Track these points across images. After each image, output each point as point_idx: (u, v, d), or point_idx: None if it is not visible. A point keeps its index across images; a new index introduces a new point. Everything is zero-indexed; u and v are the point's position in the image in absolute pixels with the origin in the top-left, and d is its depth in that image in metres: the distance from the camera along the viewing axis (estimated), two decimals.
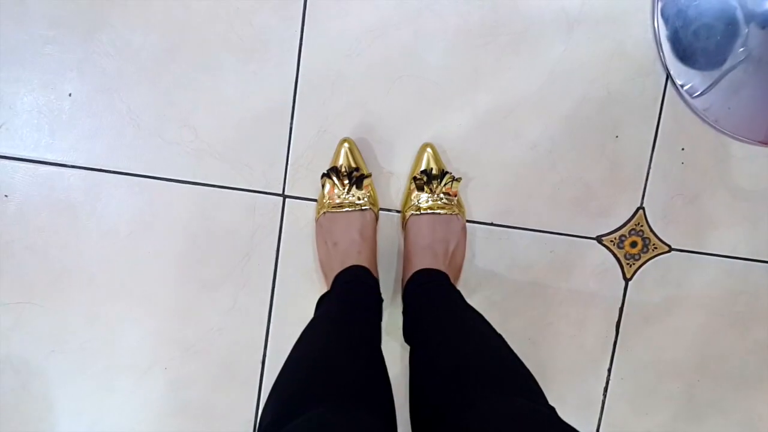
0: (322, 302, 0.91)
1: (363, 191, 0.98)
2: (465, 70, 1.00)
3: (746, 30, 1.02)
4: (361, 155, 0.99)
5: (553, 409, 0.63)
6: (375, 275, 0.94)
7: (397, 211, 1.03)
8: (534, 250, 1.06)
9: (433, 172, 0.98)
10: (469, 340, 0.77)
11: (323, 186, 0.98)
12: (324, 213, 0.98)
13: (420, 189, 0.98)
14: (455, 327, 0.81)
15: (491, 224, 1.05)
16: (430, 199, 0.98)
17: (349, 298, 0.89)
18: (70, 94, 0.97)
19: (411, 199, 0.99)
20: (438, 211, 0.97)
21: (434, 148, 1.00)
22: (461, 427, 0.61)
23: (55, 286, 1.03)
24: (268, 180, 1.01)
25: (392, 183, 1.02)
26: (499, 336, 0.78)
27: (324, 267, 0.99)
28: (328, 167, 0.98)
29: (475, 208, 1.04)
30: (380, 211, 1.03)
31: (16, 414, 1.08)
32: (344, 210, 0.97)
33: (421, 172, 0.98)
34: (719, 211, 1.06)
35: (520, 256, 1.06)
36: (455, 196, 0.99)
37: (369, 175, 0.98)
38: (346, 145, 0.98)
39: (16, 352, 1.05)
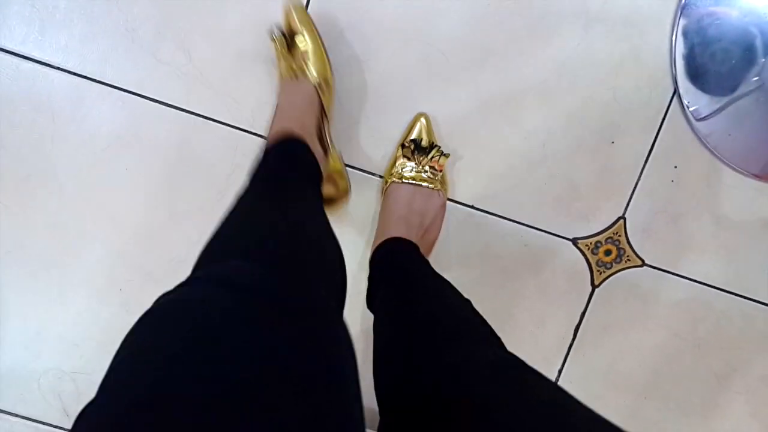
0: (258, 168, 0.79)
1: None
2: (475, 46, 0.97)
3: (763, 60, 1.00)
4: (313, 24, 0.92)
5: (513, 354, 0.61)
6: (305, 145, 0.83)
7: (380, 176, 1.01)
8: (509, 240, 1.05)
9: (423, 143, 0.96)
10: (435, 302, 0.76)
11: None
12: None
13: (406, 157, 0.97)
14: (421, 292, 0.80)
15: (472, 207, 1.03)
16: (414, 169, 0.96)
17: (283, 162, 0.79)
18: None
19: (396, 166, 0.98)
20: (420, 183, 0.96)
21: (428, 119, 0.98)
22: (429, 384, 0.59)
23: (23, 187, 1.00)
24: (255, 119, 0.98)
25: (379, 146, 1.00)
26: (466, 299, 0.77)
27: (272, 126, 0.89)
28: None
29: (458, 188, 1.02)
30: (362, 173, 1.01)
31: None
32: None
33: (410, 140, 0.97)
34: (699, 236, 1.06)
35: (494, 243, 1.05)
36: (440, 171, 0.97)
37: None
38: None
39: None
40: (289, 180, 0.76)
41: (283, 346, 0.42)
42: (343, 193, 1.00)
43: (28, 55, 0.95)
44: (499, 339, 0.68)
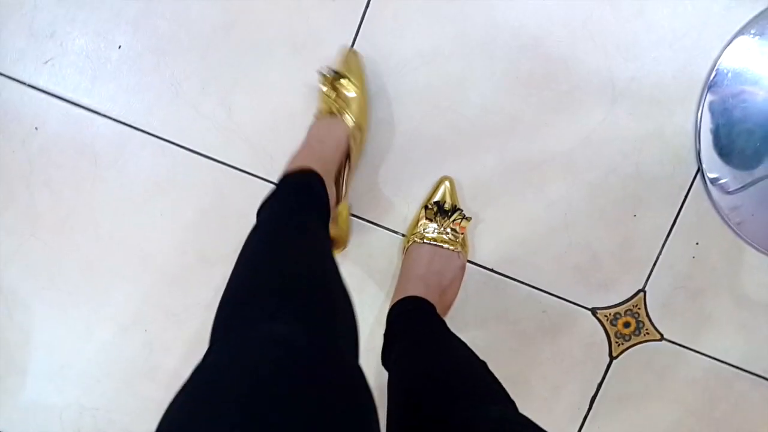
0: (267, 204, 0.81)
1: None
2: (503, 115, 1.01)
3: None
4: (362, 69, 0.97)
5: (527, 418, 0.62)
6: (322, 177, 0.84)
7: (402, 234, 1.04)
8: (528, 305, 1.06)
9: (446, 206, 0.99)
10: (450, 362, 0.77)
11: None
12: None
13: (429, 219, 0.99)
14: (436, 351, 0.81)
15: (491, 270, 1.05)
16: (436, 230, 0.99)
17: (295, 200, 0.81)
18: (119, 47, 0.99)
19: (418, 227, 1.00)
20: (441, 244, 0.98)
21: (453, 182, 1.00)
22: None
23: (61, 225, 1.05)
24: None
25: (403, 204, 1.03)
26: (482, 361, 0.78)
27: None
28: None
29: (479, 251, 1.04)
30: (385, 231, 1.04)
31: None
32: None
33: (434, 202, 0.99)
34: (719, 313, 1.05)
35: (512, 308, 1.06)
36: (462, 233, 0.99)
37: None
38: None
39: (9, 279, 1.07)
40: (306, 220, 0.77)
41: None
42: (340, 243, 1.01)
43: (78, 102, 1.01)
44: (512, 402, 0.69)
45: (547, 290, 1.05)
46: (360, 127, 0.96)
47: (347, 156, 0.95)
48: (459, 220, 0.99)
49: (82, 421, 1.13)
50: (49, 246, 1.06)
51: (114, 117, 1.01)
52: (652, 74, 0.99)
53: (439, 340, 0.84)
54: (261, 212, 0.81)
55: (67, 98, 1.01)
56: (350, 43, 0.98)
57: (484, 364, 0.77)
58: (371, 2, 0.97)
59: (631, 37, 0.98)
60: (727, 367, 1.07)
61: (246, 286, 0.65)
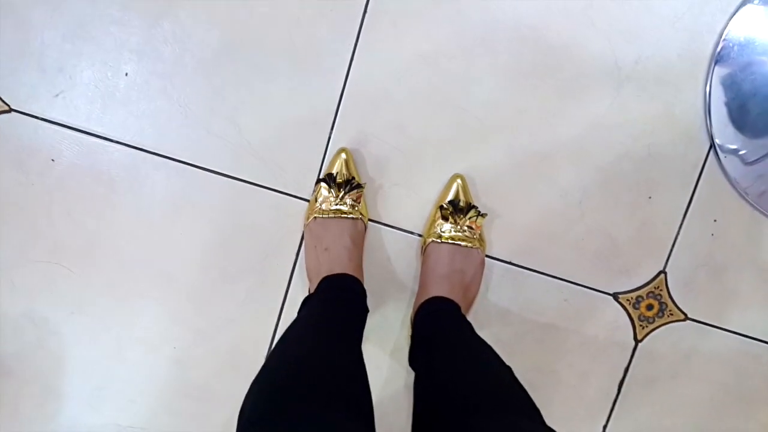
0: (307, 303, 0.92)
1: (354, 201, 0.99)
2: (509, 108, 1.01)
3: None
4: (356, 166, 1.01)
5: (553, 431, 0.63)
6: (363, 286, 0.96)
7: (419, 235, 1.04)
8: (549, 295, 1.06)
9: (460, 204, 0.99)
10: (476, 367, 0.78)
11: (316, 192, 1.00)
12: (314, 218, 1.00)
13: (444, 218, 1.00)
14: (462, 355, 0.82)
15: (510, 263, 1.05)
16: (453, 229, 0.99)
17: (336, 298, 0.91)
18: (126, 74, 1.01)
19: (434, 227, 1.01)
20: (459, 242, 0.99)
21: (465, 180, 1.01)
22: None
23: (85, 252, 1.07)
24: (299, 185, 1.03)
25: (417, 206, 1.04)
26: (507, 367, 0.79)
27: (311, 272, 1.00)
28: (323, 173, 1.01)
29: (496, 245, 1.05)
30: (401, 232, 1.04)
31: (31, 366, 1.13)
32: (335, 216, 0.98)
33: (449, 202, 1.00)
34: (742, 289, 1.05)
35: (534, 299, 1.06)
36: (479, 230, 1.00)
37: (363, 185, 1.00)
38: (343, 155, 1.00)
39: (39, 308, 1.10)
40: (348, 323, 0.88)
41: None
42: None
43: (91, 131, 1.03)
44: (538, 411, 0.69)
45: (567, 279, 1.06)
46: (365, 216, 1.02)
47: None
48: (475, 218, 0.99)
49: None
50: (74, 273, 1.08)
51: (127, 143, 1.03)
52: (656, 55, 0.99)
53: (465, 343, 0.85)
54: (302, 308, 0.93)
55: (80, 128, 1.03)
56: (351, 50, 0.99)
57: (509, 369, 0.78)
58: (368, 10, 0.98)
59: (632, 19, 0.98)
60: (755, 341, 1.07)
61: (279, 374, 0.71)
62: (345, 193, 0.99)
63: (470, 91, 1.00)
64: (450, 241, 0.99)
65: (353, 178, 0.99)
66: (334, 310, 0.88)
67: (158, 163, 1.03)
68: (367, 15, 0.98)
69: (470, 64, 0.99)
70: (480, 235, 1.01)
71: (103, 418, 1.15)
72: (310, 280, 1.00)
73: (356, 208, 0.99)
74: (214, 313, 1.09)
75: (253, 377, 1.06)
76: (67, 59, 1.00)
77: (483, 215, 0.99)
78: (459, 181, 1.01)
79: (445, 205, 1.00)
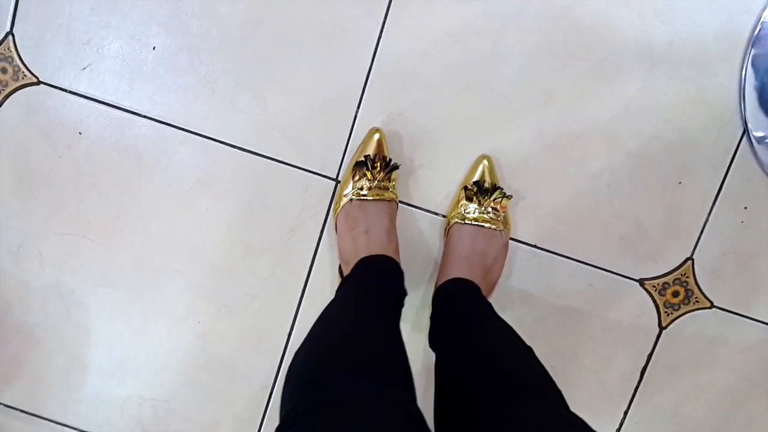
0: (346, 283, 0.92)
1: (391, 183, 0.99)
2: (538, 88, 0.99)
3: None
4: (388, 146, 1.00)
5: (580, 418, 0.63)
6: (401, 269, 0.95)
7: (443, 216, 1.04)
8: (573, 280, 1.05)
9: (485, 185, 0.98)
10: (497, 347, 0.78)
11: (352, 173, 0.99)
12: (351, 200, 0.99)
13: (469, 199, 0.99)
14: (483, 335, 0.82)
15: (535, 246, 1.04)
16: (477, 210, 0.98)
17: (376, 282, 0.91)
18: (154, 48, 1.01)
19: (458, 207, 1.00)
20: (483, 224, 0.98)
21: (491, 160, 1.00)
22: None
23: (111, 225, 1.08)
24: (325, 163, 1.03)
25: (443, 186, 1.03)
26: (528, 347, 0.79)
27: (348, 255, 0.98)
28: (358, 155, 1.00)
29: (521, 228, 1.04)
30: (425, 213, 1.04)
31: (57, 337, 1.15)
32: (372, 199, 0.98)
33: (473, 182, 0.99)
34: None
35: (558, 283, 1.06)
36: (503, 212, 0.99)
37: (398, 166, 0.99)
38: (376, 135, 0.99)
39: (66, 280, 1.11)
40: (389, 301, 0.89)
41: None
42: None
43: (118, 105, 1.03)
44: (560, 393, 0.69)
45: (592, 263, 1.05)
46: (397, 197, 1.02)
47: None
48: (499, 199, 0.98)
49: (143, 411, 1.18)
50: (101, 246, 1.09)
51: (154, 117, 1.03)
52: (691, 36, 0.97)
53: (485, 324, 0.85)
54: (341, 287, 0.93)
55: (108, 102, 1.03)
56: (379, 26, 0.98)
57: (530, 350, 0.78)
58: None
59: (651, 8, 0.95)
60: None
61: (326, 343, 0.73)
62: (383, 175, 0.98)
63: (499, 70, 0.99)
64: (473, 223, 0.98)
65: (389, 158, 0.99)
66: (375, 290, 0.88)
67: (185, 138, 1.03)
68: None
69: (500, 42, 0.98)
70: (505, 217, 1.00)
71: (127, 390, 1.17)
72: (346, 263, 0.98)
73: (390, 190, 0.99)
74: (238, 289, 1.10)
75: (274, 353, 1.07)
76: (95, 31, 1.00)
77: (508, 197, 0.98)
78: (485, 162, 1.00)
79: (469, 186, 0.99)
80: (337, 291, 0.93)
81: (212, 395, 1.16)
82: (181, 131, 1.03)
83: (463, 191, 1.00)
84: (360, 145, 1.01)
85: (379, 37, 0.98)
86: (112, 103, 1.03)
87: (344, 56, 0.99)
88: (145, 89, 1.02)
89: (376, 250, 0.95)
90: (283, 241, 1.07)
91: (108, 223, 1.08)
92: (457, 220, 1.00)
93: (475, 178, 1.00)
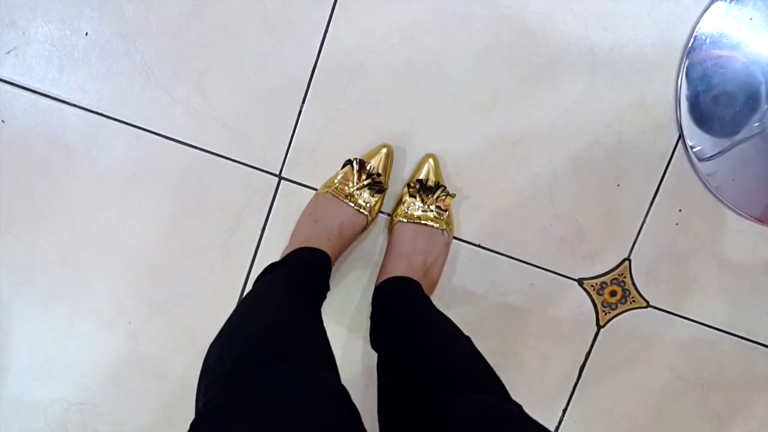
0: (274, 268, 0.90)
1: (371, 198, 0.97)
2: (484, 89, 0.99)
3: (766, 106, 1.02)
4: (391, 169, 1.00)
5: (519, 406, 0.64)
6: (330, 265, 0.94)
7: (388, 214, 1.03)
8: (515, 279, 1.06)
9: (429, 183, 0.98)
10: (437, 343, 0.78)
11: (342, 168, 0.98)
12: (326, 192, 0.98)
13: (412, 197, 0.98)
14: (422, 332, 0.81)
15: (478, 246, 1.05)
16: (420, 209, 0.98)
17: (300, 268, 0.90)
18: (86, 33, 0.95)
19: (402, 206, 0.99)
20: (426, 222, 0.97)
21: (436, 159, 0.99)
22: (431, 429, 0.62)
23: (36, 220, 1.02)
24: (267, 158, 1.00)
25: (390, 185, 1.02)
26: (467, 338, 0.78)
27: (293, 237, 0.98)
28: (359, 158, 0.98)
29: (465, 227, 1.04)
30: None
31: None
32: (342, 201, 0.96)
33: (417, 180, 0.98)
34: (703, 278, 1.07)
35: (500, 282, 1.06)
36: (446, 210, 0.99)
37: (385, 189, 0.98)
38: (384, 150, 0.98)
39: None
40: (310, 292, 0.87)
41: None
42: None
43: (46, 93, 0.97)
44: (500, 382, 0.69)
45: (533, 263, 1.06)
46: (372, 215, 0.99)
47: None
48: (443, 197, 0.98)
49: (69, 416, 1.11)
50: (24, 242, 1.03)
51: (85, 106, 0.97)
52: (631, 43, 0.99)
53: (423, 320, 0.85)
54: (266, 273, 0.89)
55: (35, 89, 0.97)
56: (326, 19, 0.96)
57: (469, 340, 0.78)
58: None
59: (609, 6, 0.97)
60: (712, 330, 1.09)
61: (247, 333, 0.69)
62: (364, 186, 0.97)
63: (446, 69, 0.98)
64: (416, 221, 0.98)
65: (380, 176, 0.98)
66: (295, 281, 0.86)
67: (117, 129, 0.98)
68: None
69: (447, 40, 0.97)
70: (449, 216, 1.00)
71: (52, 394, 1.10)
72: (290, 243, 0.98)
73: (366, 204, 0.97)
74: (173, 288, 1.06)
75: None
76: (21, 13, 0.94)
77: (452, 195, 0.98)
78: (431, 160, 0.99)
79: (412, 184, 0.99)
80: (259, 276, 0.90)
81: (143, 399, 1.10)
82: (113, 121, 0.98)
83: (406, 189, 0.99)
84: (369, 154, 0.99)
85: (326, 30, 0.96)
86: (39, 91, 0.97)
87: (290, 48, 0.96)
88: (76, 76, 0.97)
89: (313, 243, 0.93)
90: (223, 239, 1.03)
91: (32, 218, 1.02)
92: (400, 218, 0.99)
93: (420, 177, 0.99)
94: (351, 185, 0.97)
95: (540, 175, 1.03)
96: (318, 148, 1.00)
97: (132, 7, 0.94)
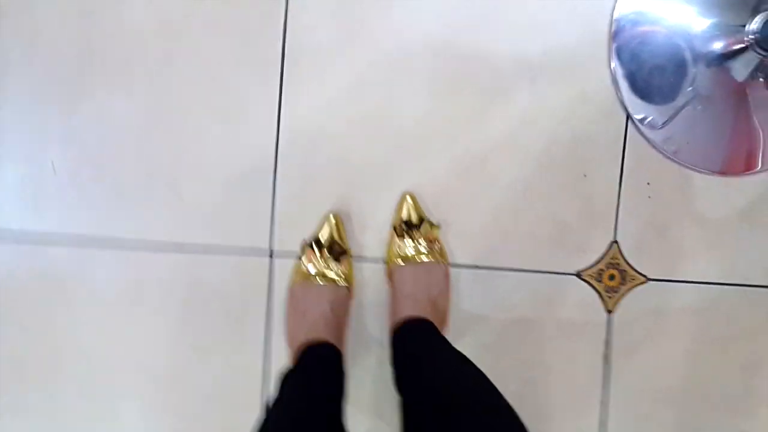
0: (286, 382, 0.88)
1: (340, 267, 1.00)
2: (440, 119, 1.04)
3: (694, 70, 1.09)
4: (345, 232, 1.02)
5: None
6: (339, 349, 0.94)
7: (384, 262, 1.05)
8: (518, 289, 1.09)
9: (413, 220, 1.01)
10: (451, 383, 0.78)
11: (302, 254, 1.00)
12: (297, 282, 1.00)
13: (401, 237, 1.01)
14: (437, 374, 0.82)
15: (475, 267, 1.07)
16: (411, 247, 1.00)
17: (313, 374, 0.89)
18: (53, 166, 0.97)
19: (393, 248, 1.02)
20: (421, 258, 1.00)
21: (414, 196, 1.03)
22: None
23: (48, 362, 1.01)
24: (254, 239, 1.02)
25: (375, 232, 1.04)
26: (482, 375, 0.79)
27: (289, 336, 0.98)
28: (311, 236, 1.00)
29: (457, 252, 1.07)
30: (367, 264, 1.04)
31: None
32: (318, 283, 0.98)
33: (401, 220, 1.01)
34: (688, 240, 1.11)
35: (505, 296, 1.09)
36: (434, 242, 1.02)
37: (348, 253, 1.01)
38: (332, 218, 1.01)
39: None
40: (329, 397, 0.85)
41: None
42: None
43: (27, 233, 0.98)
44: (515, 417, 0.70)
45: (530, 269, 1.09)
46: (351, 283, 1.01)
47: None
48: (429, 231, 1.01)
49: None
50: (42, 387, 1.01)
51: (68, 238, 0.98)
52: (560, 44, 1.06)
53: (439, 360, 0.85)
54: (282, 387, 0.85)
55: (15, 230, 0.97)
56: (277, 95, 1.00)
57: (485, 378, 0.78)
58: (286, 54, 1.00)
59: (529, 16, 1.05)
60: (713, 286, 1.13)
61: None
62: (329, 260, 0.99)
63: (400, 110, 1.03)
64: (411, 260, 1.00)
65: (338, 244, 1.00)
66: (312, 388, 0.86)
67: (104, 253, 0.99)
68: (285, 60, 1.00)
69: (393, 86, 1.03)
70: (440, 248, 1.03)
71: None
72: (289, 345, 0.97)
73: (341, 275, 0.99)
74: (194, 393, 1.05)
75: None
76: None
77: (437, 226, 1.01)
78: (408, 198, 1.03)
79: (397, 225, 1.01)
80: (280, 387, 0.87)
81: None
82: (99, 244, 0.99)
83: (393, 231, 1.02)
84: (318, 227, 1.02)
85: (280, 105, 1.01)
86: (19, 234, 0.97)
87: (250, 131, 1.00)
88: (53, 211, 0.98)
89: (313, 334, 0.94)
90: (231, 330, 1.03)
91: (44, 361, 1.01)
92: (395, 261, 1.01)
93: (403, 217, 1.02)
94: (316, 264, 0.99)
95: (512, 185, 1.07)
96: (300, 214, 1.03)
97: (91, 130, 0.97)
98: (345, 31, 1.02)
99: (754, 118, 1.13)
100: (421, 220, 1.02)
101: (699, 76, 1.10)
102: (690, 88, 1.10)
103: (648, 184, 1.10)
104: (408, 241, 1.01)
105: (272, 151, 1.01)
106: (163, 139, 0.99)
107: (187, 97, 0.98)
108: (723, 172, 1.12)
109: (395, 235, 1.02)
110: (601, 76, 1.07)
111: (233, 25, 1.00)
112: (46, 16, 0.97)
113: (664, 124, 1.10)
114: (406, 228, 1.01)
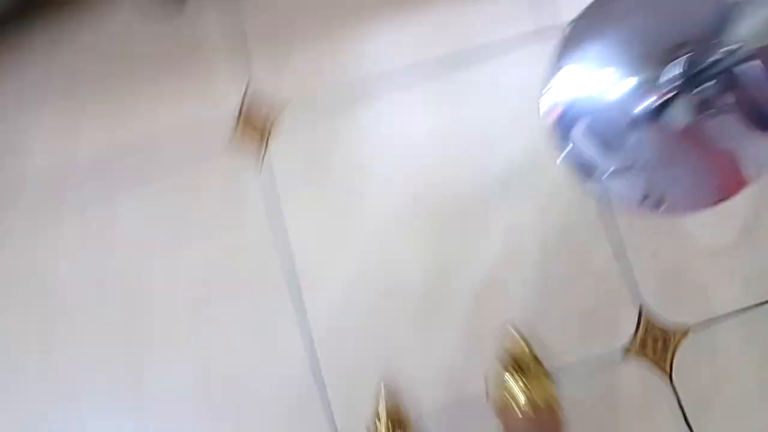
0: None
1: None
2: (437, 272, 1.18)
3: (640, 133, 1.17)
4: (400, 395, 1.11)
5: None
6: None
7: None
8: (573, 384, 1.13)
9: (521, 359, 1.09)
10: None
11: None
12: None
13: (509, 373, 1.07)
14: None
15: None
16: (520, 389, 1.05)
17: None
18: None
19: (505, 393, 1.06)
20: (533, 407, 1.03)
21: (519, 331, 1.13)
22: None
23: None
24: None
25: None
26: None
27: None
28: (376, 416, 1.10)
29: None
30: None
31: None
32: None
33: (508, 358, 1.09)
34: (707, 276, 1.15)
35: (568, 395, 1.09)
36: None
37: (406, 422, 1.08)
38: (381, 386, 1.10)
39: None
40: None
41: None
42: None
43: None
44: None
45: (578, 361, 1.13)
46: None
47: None
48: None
49: None
50: None
51: None
52: (512, 155, 1.20)
53: None
54: None
55: None
56: (294, 310, 1.15)
57: None
58: (292, 273, 1.15)
59: (478, 146, 1.21)
60: (751, 310, 1.14)
61: None
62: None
63: (404, 279, 1.18)
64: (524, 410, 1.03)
65: (397, 413, 1.08)
66: None
67: None
68: (290, 278, 1.16)
69: (389, 270, 1.19)
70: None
71: None
72: None
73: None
74: None
75: None
76: None
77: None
78: (511, 331, 1.12)
79: (503, 363, 1.08)
80: None
81: None
82: None
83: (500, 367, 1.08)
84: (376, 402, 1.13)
85: (305, 319, 1.15)
86: None
87: (282, 358, 1.16)
88: None
89: None
90: None
91: None
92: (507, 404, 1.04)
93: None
94: None
95: (526, 294, 1.16)
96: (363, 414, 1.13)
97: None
98: (337, 232, 1.19)
99: (719, 148, 1.19)
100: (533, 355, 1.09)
101: (648, 135, 1.18)
102: (645, 150, 1.17)
103: (648, 241, 1.16)
104: (518, 382, 1.05)
105: (308, 365, 1.16)
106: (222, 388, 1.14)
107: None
108: (708, 205, 1.16)
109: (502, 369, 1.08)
110: (557, 172, 1.17)
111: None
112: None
113: (638, 192, 1.17)
114: (514, 366, 1.08)
